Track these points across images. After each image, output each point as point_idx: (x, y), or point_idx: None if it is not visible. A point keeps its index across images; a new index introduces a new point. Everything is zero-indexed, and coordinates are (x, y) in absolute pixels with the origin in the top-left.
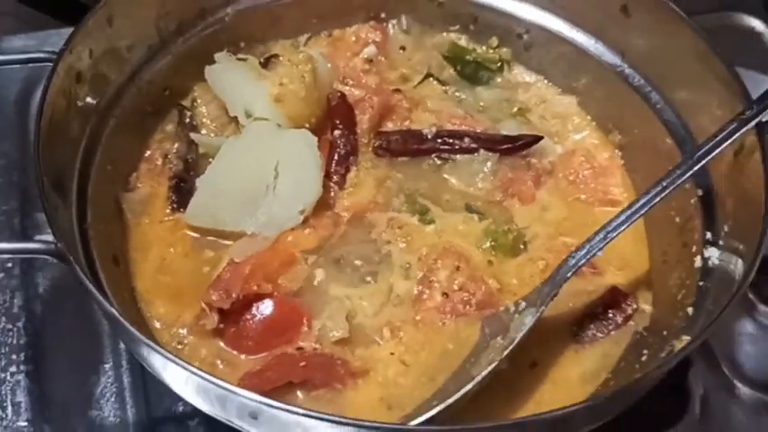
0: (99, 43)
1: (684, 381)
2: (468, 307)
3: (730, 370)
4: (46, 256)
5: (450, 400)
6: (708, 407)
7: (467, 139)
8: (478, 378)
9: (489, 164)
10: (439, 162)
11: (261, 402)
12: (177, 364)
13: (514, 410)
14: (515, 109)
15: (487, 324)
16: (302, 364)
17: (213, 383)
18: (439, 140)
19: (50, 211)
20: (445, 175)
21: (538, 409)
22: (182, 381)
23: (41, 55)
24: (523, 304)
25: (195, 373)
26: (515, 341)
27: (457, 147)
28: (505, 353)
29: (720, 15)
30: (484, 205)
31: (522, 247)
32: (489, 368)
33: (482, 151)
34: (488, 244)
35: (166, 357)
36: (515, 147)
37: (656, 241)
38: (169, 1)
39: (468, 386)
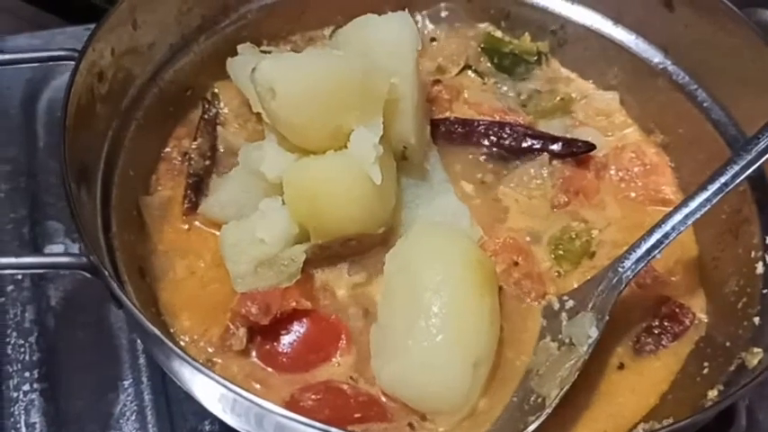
0: (121, 41)
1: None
2: (520, 302)
3: None
4: (78, 271)
5: None
6: (754, 418)
7: (525, 137)
8: (547, 410)
9: (545, 168)
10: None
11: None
12: (237, 393)
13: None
14: (557, 99)
15: (545, 316)
16: (357, 415)
17: (277, 413)
18: (491, 133)
19: (80, 220)
20: (502, 187)
21: (613, 420)
22: (235, 410)
23: (62, 53)
24: (571, 302)
25: (256, 403)
26: (584, 356)
27: (509, 144)
28: (577, 374)
29: (743, 12)
30: (550, 211)
31: (590, 255)
32: (560, 394)
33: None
34: (554, 254)
35: (223, 385)
36: (570, 153)
37: (706, 246)
38: None
39: (537, 423)
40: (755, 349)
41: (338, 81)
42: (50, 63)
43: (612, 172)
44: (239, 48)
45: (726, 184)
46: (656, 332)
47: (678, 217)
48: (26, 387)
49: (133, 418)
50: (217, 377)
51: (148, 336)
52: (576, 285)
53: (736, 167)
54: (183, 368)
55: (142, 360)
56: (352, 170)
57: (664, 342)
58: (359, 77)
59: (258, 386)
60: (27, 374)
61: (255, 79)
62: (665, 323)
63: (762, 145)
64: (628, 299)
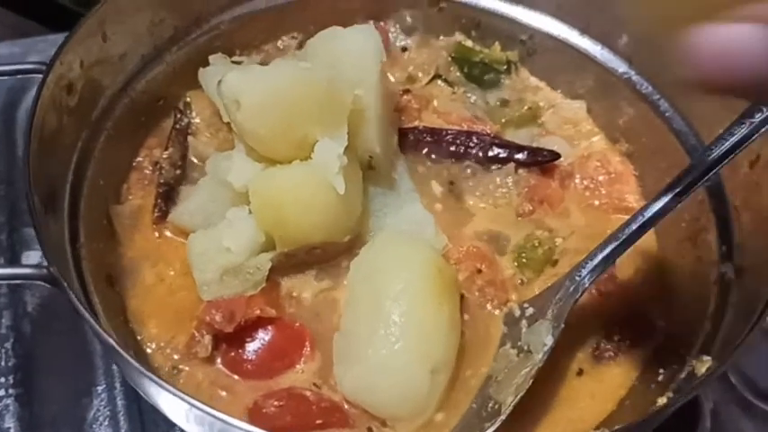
0: (90, 52)
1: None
2: (482, 310)
3: (741, 383)
4: (38, 282)
5: None
6: (719, 420)
7: (492, 146)
8: (502, 417)
9: (510, 176)
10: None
11: None
12: (194, 406)
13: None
14: (525, 108)
15: (506, 323)
16: (319, 421)
17: (238, 427)
18: (459, 142)
19: (42, 232)
20: (469, 195)
21: (573, 425)
22: (198, 422)
23: (30, 66)
24: (531, 310)
25: (217, 417)
26: (538, 364)
27: (476, 153)
28: (531, 381)
29: None
30: (515, 220)
31: (553, 263)
32: (515, 401)
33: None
34: (518, 262)
35: (179, 397)
36: (536, 162)
37: (667, 254)
38: (163, 8)
39: (491, 429)
40: (705, 357)
41: (302, 92)
42: (20, 76)
43: (578, 180)
44: (211, 58)
45: (679, 194)
46: (615, 339)
47: (633, 226)
48: (1, 392)
49: (106, 423)
50: (177, 392)
51: (108, 348)
52: (535, 292)
53: (690, 178)
54: (144, 381)
55: (115, 366)
56: (317, 180)
57: (623, 348)
58: (323, 88)
59: (224, 393)
60: (2, 380)
61: (222, 91)
62: (625, 330)
63: (715, 155)
64: (588, 306)
